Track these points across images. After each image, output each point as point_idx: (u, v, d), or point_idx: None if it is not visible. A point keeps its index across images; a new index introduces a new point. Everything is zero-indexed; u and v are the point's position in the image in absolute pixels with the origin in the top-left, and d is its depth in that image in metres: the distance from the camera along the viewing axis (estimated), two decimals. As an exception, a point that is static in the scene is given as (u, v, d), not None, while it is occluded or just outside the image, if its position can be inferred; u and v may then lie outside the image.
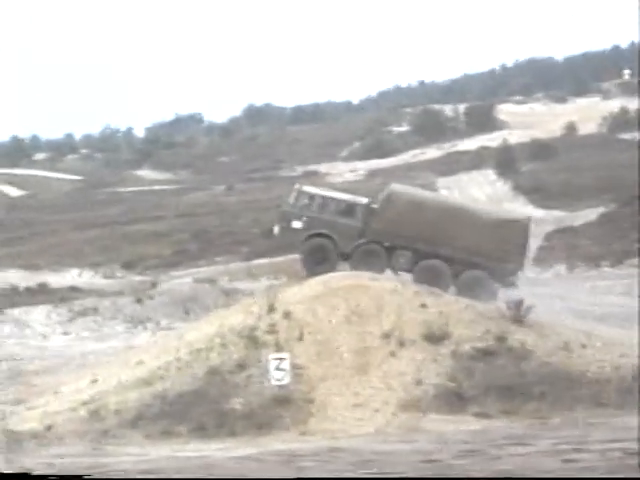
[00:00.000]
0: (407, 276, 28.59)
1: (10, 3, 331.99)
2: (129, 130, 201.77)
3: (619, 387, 22.79)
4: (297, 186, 30.99)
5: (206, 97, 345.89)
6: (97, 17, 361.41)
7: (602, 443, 18.15)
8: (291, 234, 29.57)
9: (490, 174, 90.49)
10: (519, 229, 29.44)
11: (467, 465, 16.62)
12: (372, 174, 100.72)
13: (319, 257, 28.73)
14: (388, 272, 28.87)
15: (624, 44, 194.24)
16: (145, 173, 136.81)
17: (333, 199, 29.99)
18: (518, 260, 29.05)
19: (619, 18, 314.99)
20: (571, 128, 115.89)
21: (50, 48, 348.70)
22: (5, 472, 11.69)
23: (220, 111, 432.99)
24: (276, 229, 30.12)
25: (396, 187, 31.26)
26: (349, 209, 29.42)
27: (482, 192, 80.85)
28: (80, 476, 11.08)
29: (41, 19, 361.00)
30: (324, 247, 28.85)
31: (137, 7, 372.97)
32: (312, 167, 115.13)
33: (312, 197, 29.87)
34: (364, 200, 30.07)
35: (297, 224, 29.21)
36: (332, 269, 28.28)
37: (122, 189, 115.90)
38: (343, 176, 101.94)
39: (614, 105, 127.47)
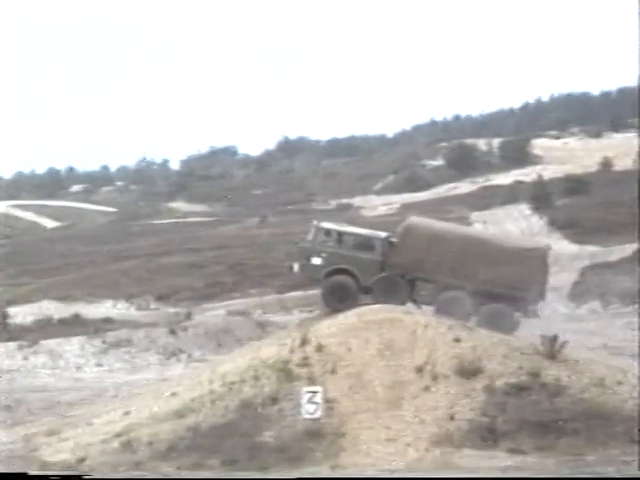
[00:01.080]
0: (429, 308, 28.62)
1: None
2: (164, 162, 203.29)
3: (654, 424, 22.62)
4: (315, 222, 31.06)
5: (241, 130, 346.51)
6: (133, 47, 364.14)
7: (636, 481, 18.02)
8: (311, 270, 29.62)
9: (524, 209, 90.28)
10: (538, 257, 29.40)
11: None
12: (406, 207, 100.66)
13: (340, 294, 28.78)
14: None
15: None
16: (180, 205, 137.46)
17: (352, 234, 30.07)
18: (539, 289, 28.97)
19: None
20: (606, 164, 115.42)
21: (86, 79, 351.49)
22: (4, 472, 11.67)
23: (255, 144, 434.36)
24: (295, 266, 30.16)
25: (414, 220, 31.34)
26: (368, 243, 29.51)
27: (517, 226, 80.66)
28: (79, 476, 11.03)
29: (79, 45, 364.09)
30: (344, 284, 28.94)
31: (174, 39, 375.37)
32: (346, 200, 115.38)
33: (331, 233, 29.94)
34: (383, 234, 30.17)
35: (316, 260, 29.29)
36: (354, 305, 28.27)
37: (157, 221, 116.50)
38: (377, 209, 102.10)
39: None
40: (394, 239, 29.72)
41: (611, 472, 19.49)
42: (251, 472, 21.62)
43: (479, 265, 28.39)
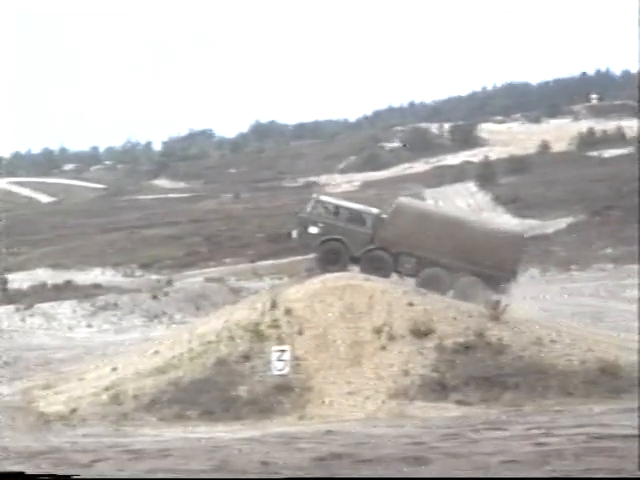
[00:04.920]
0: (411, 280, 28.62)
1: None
2: (148, 144, 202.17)
3: (585, 379, 22.78)
4: (314, 195, 31.07)
5: (217, 114, 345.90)
6: (119, 40, 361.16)
7: (569, 428, 18.15)
8: (308, 238, 29.54)
9: (472, 186, 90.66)
10: (514, 241, 29.38)
11: (449, 447, 16.61)
12: (366, 185, 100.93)
13: (332, 258, 28.74)
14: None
15: (591, 71, 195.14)
16: (162, 182, 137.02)
17: (346, 208, 29.97)
18: (511, 270, 28.94)
19: (587, 48, 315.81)
20: (545, 146, 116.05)
21: (79, 69, 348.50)
22: (3, 472, 11.52)
23: (229, 127, 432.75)
24: (294, 233, 30.08)
25: (403, 200, 31.26)
26: (360, 218, 29.41)
27: (465, 202, 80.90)
28: (69, 476, 10.81)
29: (73, 38, 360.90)
30: (337, 250, 28.87)
31: (156, 33, 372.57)
32: (312, 178, 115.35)
33: (328, 206, 29.88)
34: (374, 210, 30.05)
35: (313, 229, 29.22)
36: (343, 269, 28.33)
37: (141, 197, 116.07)
38: (340, 187, 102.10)
39: (583, 126, 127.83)
40: (384, 215, 29.63)
41: (546, 421, 19.62)
42: (227, 422, 21.66)
43: (459, 245, 28.30)
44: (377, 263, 28.46)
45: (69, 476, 10.87)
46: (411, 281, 28.70)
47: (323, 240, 29.03)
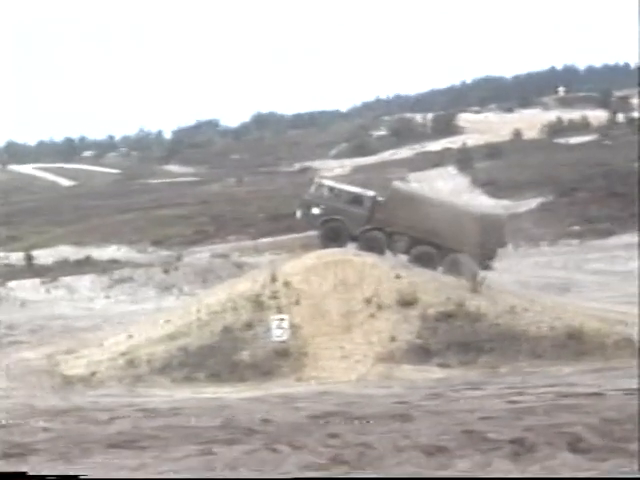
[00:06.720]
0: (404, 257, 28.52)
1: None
2: (159, 132, 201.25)
3: (554, 343, 22.86)
4: (317, 179, 30.90)
5: (222, 106, 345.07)
6: (131, 33, 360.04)
7: (539, 388, 18.21)
8: (310, 218, 29.37)
9: (452, 170, 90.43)
10: (495, 224, 29.21)
11: (432, 405, 16.64)
12: (356, 169, 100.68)
13: (333, 237, 28.59)
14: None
15: (559, 66, 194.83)
16: (172, 168, 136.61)
17: (346, 191, 29.75)
18: (494, 249, 28.79)
19: (555, 45, 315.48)
20: (517, 134, 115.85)
21: (95, 62, 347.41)
22: (3, 472, 11.42)
23: (233, 117, 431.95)
24: (298, 214, 29.85)
25: (398, 184, 31.12)
26: (358, 200, 29.15)
27: (445, 185, 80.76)
28: (76, 476, 10.66)
29: (84, 35, 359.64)
30: (337, 229, 28.66)
31: (172, 29, 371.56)
32: (307, 164, 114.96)
33: (329, 188, 29.70)
34: (371, 193, 29.83)
35: (316, 210, 29.02)
36: (342, 246, 28.19)
37: (153, 181, 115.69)
38: (333, 171, 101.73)
39: (552, 115, 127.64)
40: (380, 198, 29.45)
41: (519, 382, 19.65)
42: (232, 383, 21.68)
43: (447, 226, 28.07)
44: (373, 242, 28.31)
45: (76, 476, 10.68)
46: (403, 258, 28.60)
47: (324, 220, 28.87)
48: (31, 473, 10.85)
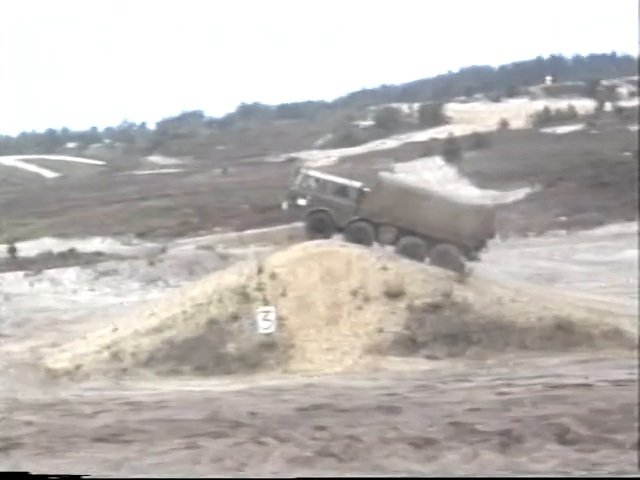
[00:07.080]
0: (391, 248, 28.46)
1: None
2: (143, 124, 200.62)
3: (541, 334, 22.91)
4: (303, 170, 30.68)
5: (207, 96, 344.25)
6: (117, 24, 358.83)
7: (527, 379, 18.26)
8: (296, 209, 29.27)
9: (439, 160, 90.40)
10: (483, 215, 29.12)
11: (419, 397, 16.67)
12: (342, 160, 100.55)
13: (319, 228, 28.50)
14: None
15: (545, 56, 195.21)
16: (156, 159, 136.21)
17: (332, 182, 29.59)
18: (482, 240, 28.72)
19: (542, 34, 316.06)
20: (504, 123, 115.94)
21: (81, 56, 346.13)
22: (4, 472, 11.34)
23: (218, 108, 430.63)
24: (284, 205, 29.73)
25: (384, 175, 30.94)
26: (345, 191, 29.02)
27: (432, 175, 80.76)
28: (79, 476, 10.58)
29: (66, 26, 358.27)
30: (323, 221, 28.52)
31: (153, 24, 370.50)
32: (293, 154, 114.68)
33: (315, 179, 29.56)
34: (357, 184, 29.69)
35: (302, 201, 28.88)
36: (329, 238, 28.13)
37: (137, 172, 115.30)
38: (319, 162, 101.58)
39: (538, 105, 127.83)
40: (367, 189, 29.34)
41: (507, 373, 19.70)
42: (218, 376, 21.66)
43: (434, 217, 27.91)
44: (360, 233, 28.21)
45: (79, 476, 10.63)
46: (390, 249, 28.55)
47: (310, 211, 28.78)
48: (33, 473, 10.78)
